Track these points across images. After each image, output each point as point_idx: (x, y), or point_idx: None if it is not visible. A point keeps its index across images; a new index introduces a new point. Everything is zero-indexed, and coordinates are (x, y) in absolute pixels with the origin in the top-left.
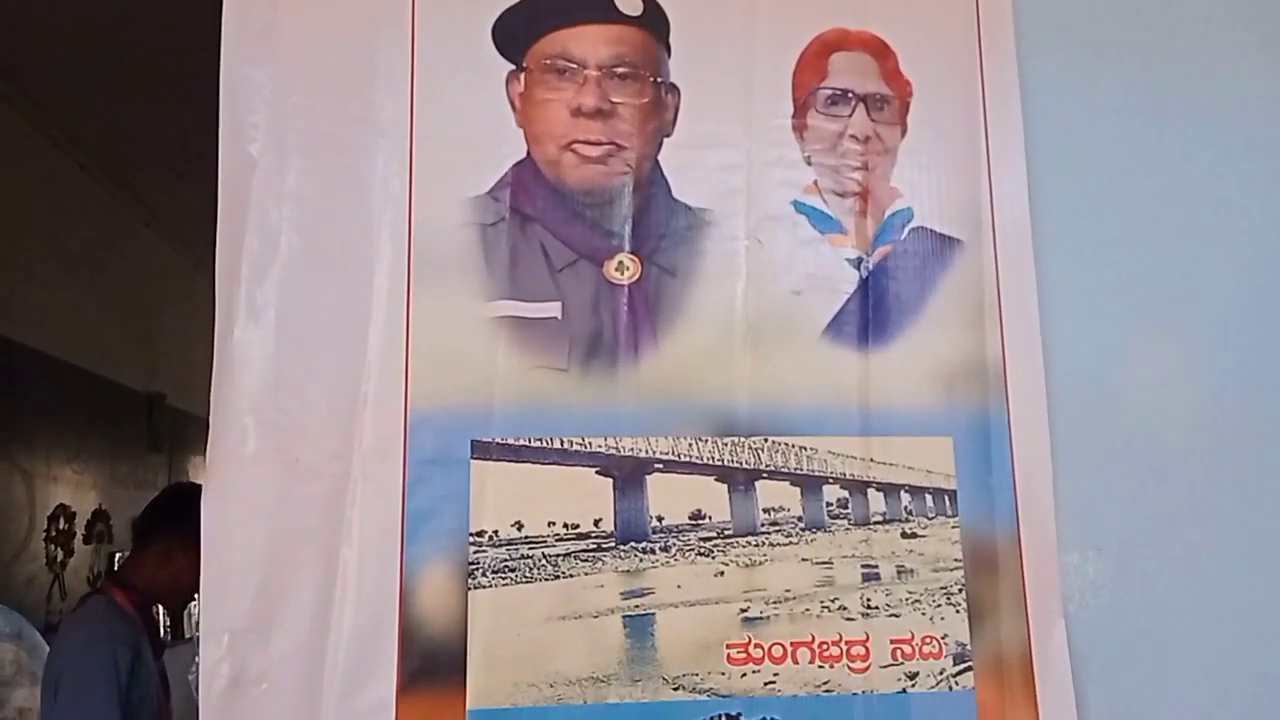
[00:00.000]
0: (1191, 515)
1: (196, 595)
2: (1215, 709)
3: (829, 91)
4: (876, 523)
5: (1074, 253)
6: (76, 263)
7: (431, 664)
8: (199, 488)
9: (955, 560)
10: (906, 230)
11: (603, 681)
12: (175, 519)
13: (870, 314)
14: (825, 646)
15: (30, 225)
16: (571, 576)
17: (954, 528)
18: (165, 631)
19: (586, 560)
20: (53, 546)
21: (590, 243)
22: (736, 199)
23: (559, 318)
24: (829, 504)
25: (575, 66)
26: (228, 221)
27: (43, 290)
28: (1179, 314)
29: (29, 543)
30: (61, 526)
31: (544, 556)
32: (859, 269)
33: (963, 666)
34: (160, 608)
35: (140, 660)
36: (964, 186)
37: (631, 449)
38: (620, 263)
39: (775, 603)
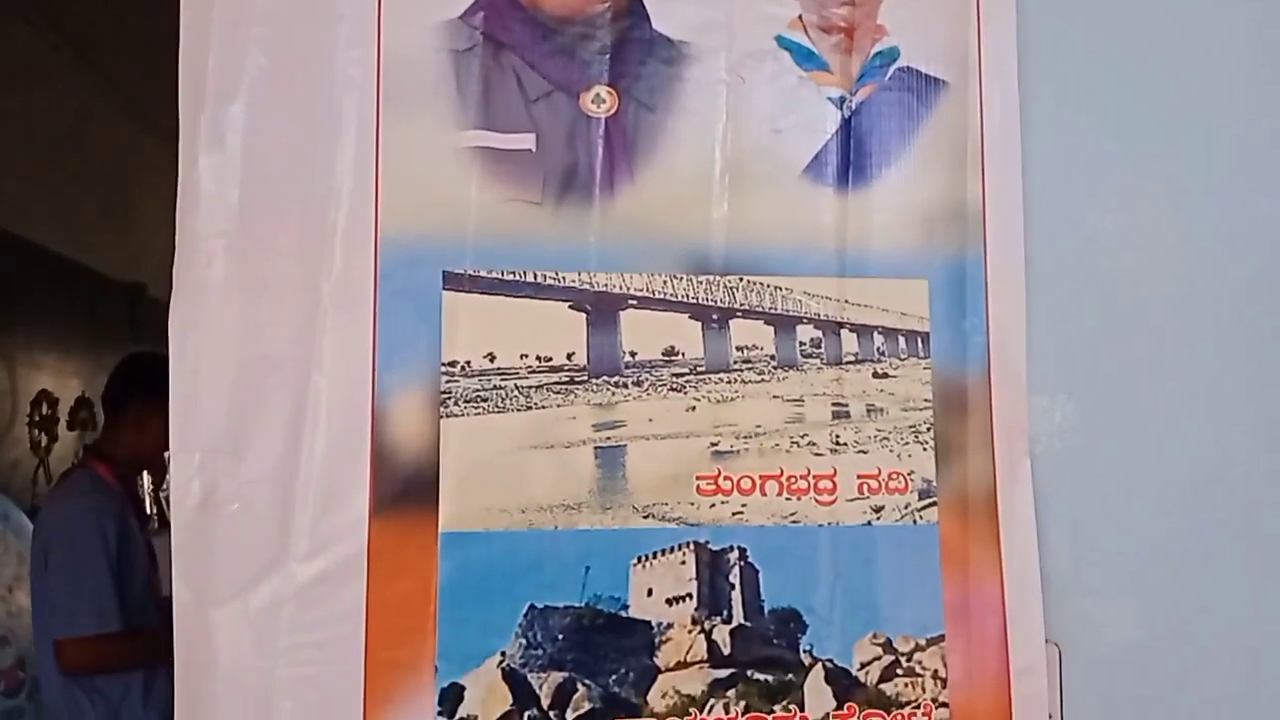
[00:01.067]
0: (1163, 363)
1: None
2: (1176, 550)
3: None
4: (849, 362)
5: (1060, 97)
6: (53, 148)
7: (404, 488)
8: (159, 355)
9: (925, 400)
10: (891, 70)
11: (573, 509)
12: (141, 385)
13: (851, 155)
14: (793, 480)
15: (3, 108)
16: (544, 408)
17: (925, 369)
18: (153, 516)
19: (559, 393)
20: (36, 431)
21: (566, 74)
22: (718, 33)
23: (533, 150)
24: (802, 343)
25: None
26: (191, 42)
27: (19, 175)
28: (1162, 163)
29: (12, 427)
30: (45, 412)
31: (516, 388)
32: (841, 108)
33: (927, 502)
34: (148, 483)
35: (127, 530)
36: (952, 26)
37: (605, 285)
38: (597, 95)
39: (745, 438)
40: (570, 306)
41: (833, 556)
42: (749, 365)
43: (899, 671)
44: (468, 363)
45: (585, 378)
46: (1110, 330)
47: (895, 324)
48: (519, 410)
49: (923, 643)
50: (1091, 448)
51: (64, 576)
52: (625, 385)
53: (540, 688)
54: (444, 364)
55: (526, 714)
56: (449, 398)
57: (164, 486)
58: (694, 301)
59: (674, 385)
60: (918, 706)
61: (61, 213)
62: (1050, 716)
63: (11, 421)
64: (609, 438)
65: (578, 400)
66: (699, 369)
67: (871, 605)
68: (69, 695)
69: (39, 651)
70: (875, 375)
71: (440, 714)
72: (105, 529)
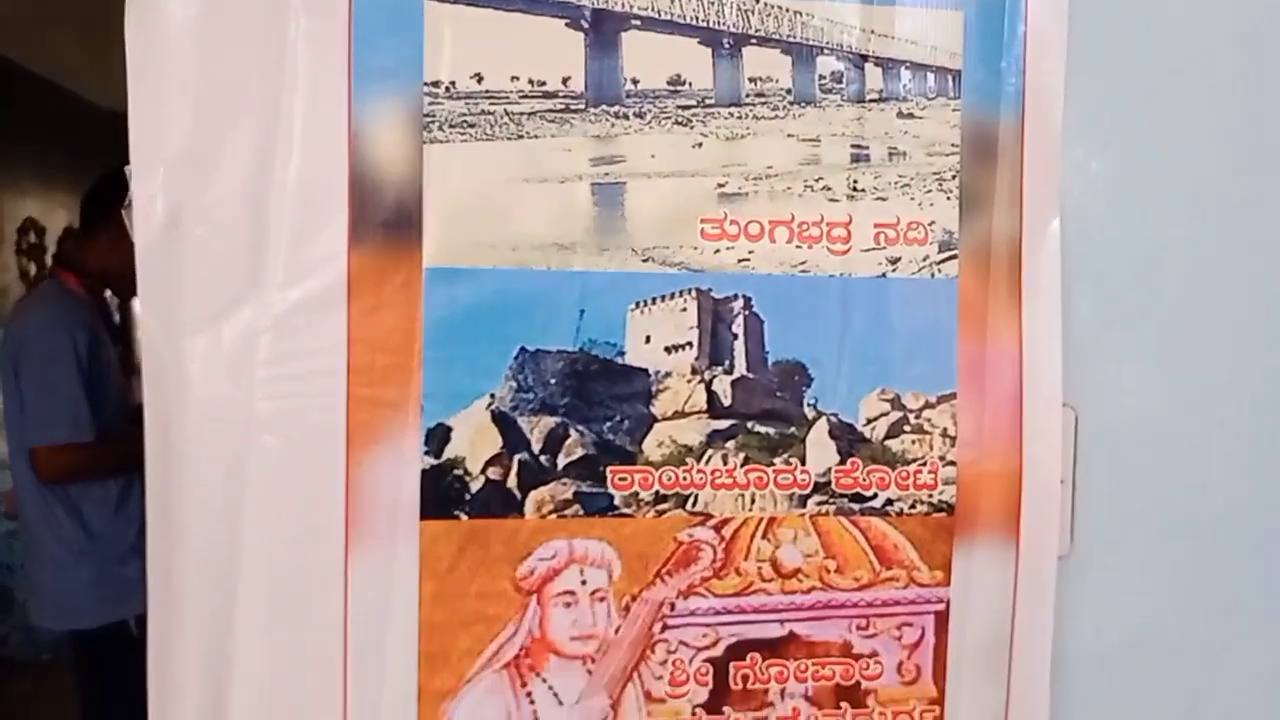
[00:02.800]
0: (1208, 116)
1: None
2: (1204, 316)
3: None
4: (871, 100)
5: None
6: None
7: (385, 217)
8: None
9: (952, 145)
10: None
11: (567, 249)
12: (121, 199)
13: None
14: (805, 227)
15: None
16: (537, 138)
17: (954, 110)
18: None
19: (553, 121)
20: (24, 259)
21: None
22: None
23: None
24: (821, 77)
25: None
26: None
27: None
28: None
29: None
30: (32, 240)
31: (507, 114)
32: None
33: (947, 255)
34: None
35: (98, 340)
36: None
37: (605, 0)
38: None
39: (755, 179)
40: (566, 24)
41: (843, 309)
42: (762, 99)
43: (906, 428)
44: (453, 83)
45: (582, 106)
46: (1155, 81)
47: (925, 59)
48: (509, 139)
49: (933, 400)
50: (1126, 205)
51: (36, 385)
52: (626, 116)
53: (531, 432)
54: (426, 84)
55: (517, 457)
56: (432, 121)
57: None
58: (704, 25)
59: (679, 118)
60: (924, 464)
61: (37, 33)
62: (1062, 482)
63: None
64: (607, 173)
65: (574, 130)
66: (707, 101)
67: (881, 360)
68: (45, 506)
69: (14, 463)
70: (900, 115)
71: (427, 454)
72: (75, 337)
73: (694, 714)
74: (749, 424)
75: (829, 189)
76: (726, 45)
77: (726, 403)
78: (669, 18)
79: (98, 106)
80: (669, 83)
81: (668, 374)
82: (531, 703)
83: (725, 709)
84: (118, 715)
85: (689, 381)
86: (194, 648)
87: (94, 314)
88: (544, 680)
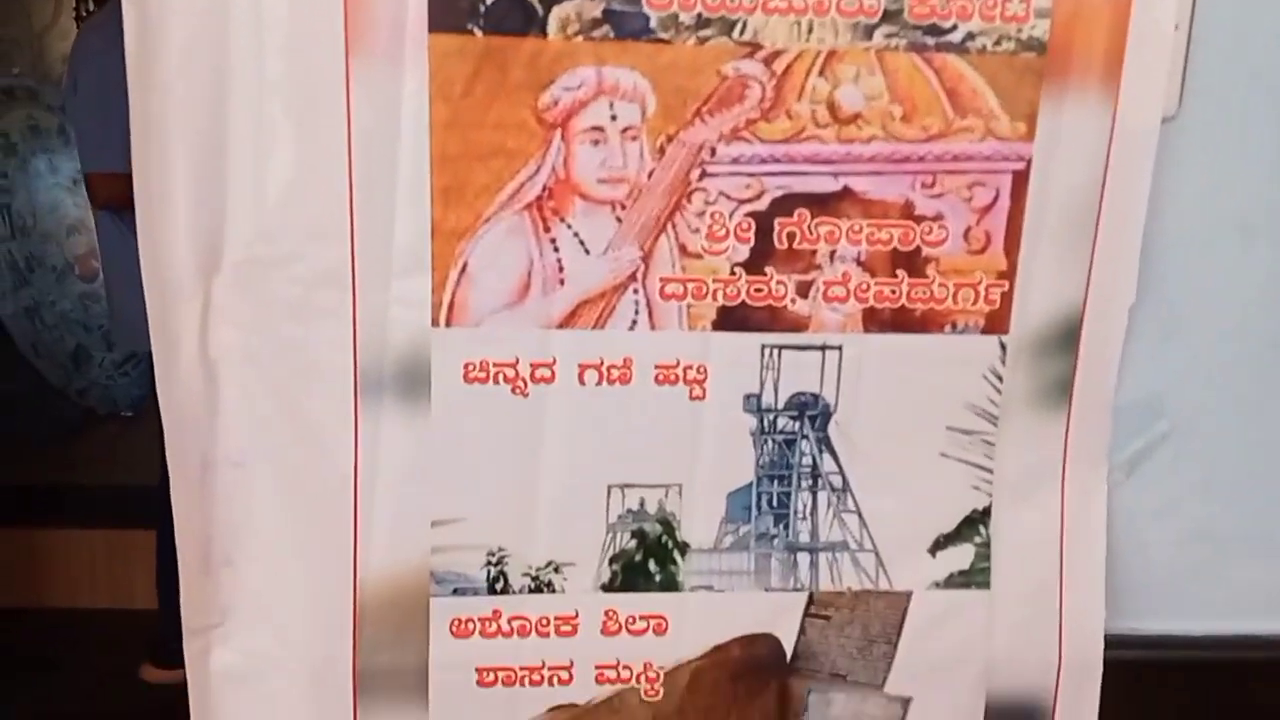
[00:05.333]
0: None
1: None
2: None
3: None
4: None
5: None
6: None
7: None
8: None
9: None
10: None
11: None
12: None
13: None
14: None
15: None
16: None
17: None
18: None
19: None
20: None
21: None
22: None
23: None
24: None
25: None
26: None
27: None
28: None
29: (58, 19)
30: (90, 8)
31: None
32: None
33: None
34: None
35: None
36: None
37: None
38: None
39: None
40: None
41: None
42: None
43: None
44: None
45: None
46: None
47: None
48: None
49: None
50: None
51: (91, 111)
52: None
53: None
54: None
55: None
56: None
57: None
58: None
59: None
60: None
61: None
62: (1176, 28)
63: (58, 14)
64: None
65: None
66: None
67: None
68: (116, 230)
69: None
70: None
71: None
72: None
73: (733, 273)
74: None
75: None
76: None
77: None
78: None
79: None
80: None
81: None
82: (555, 250)
83: (767, 269)
84: None
85: None
86: (184, 166)
87: None
88: (568, 225)
